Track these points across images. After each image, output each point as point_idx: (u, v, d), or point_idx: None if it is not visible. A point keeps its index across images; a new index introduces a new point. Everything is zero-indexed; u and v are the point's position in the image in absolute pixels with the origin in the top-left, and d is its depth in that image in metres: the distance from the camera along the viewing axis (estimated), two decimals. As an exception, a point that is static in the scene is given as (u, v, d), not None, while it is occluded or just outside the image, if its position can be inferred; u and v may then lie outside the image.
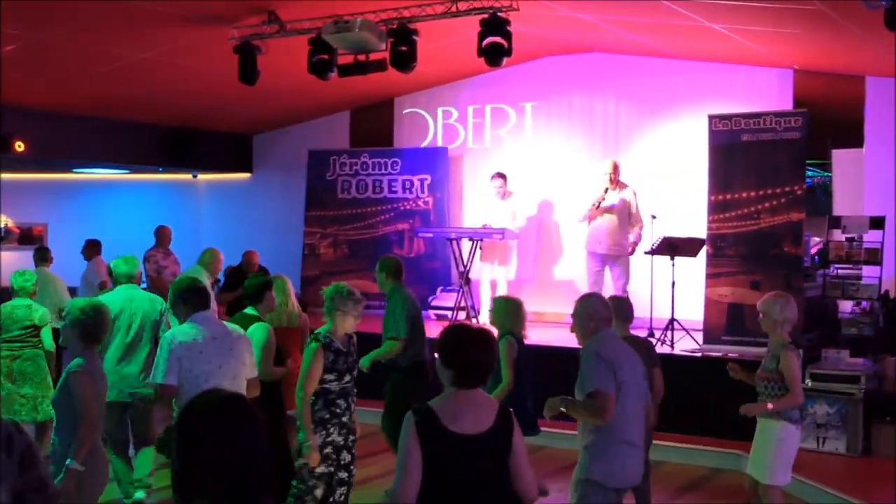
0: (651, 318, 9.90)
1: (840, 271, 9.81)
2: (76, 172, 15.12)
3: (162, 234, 11.62)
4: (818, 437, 8.35)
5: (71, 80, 10.80)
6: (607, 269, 10.32)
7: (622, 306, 6.24)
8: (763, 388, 5.78)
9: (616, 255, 10.24)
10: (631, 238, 10.39)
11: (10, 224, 15.09)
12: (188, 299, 5.46)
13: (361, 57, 9.12)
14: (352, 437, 5.82)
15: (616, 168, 10.33)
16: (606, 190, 10.21)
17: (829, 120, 10.45)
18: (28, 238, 14.76)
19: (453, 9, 8.60)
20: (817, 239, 10.89)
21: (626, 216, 10.25)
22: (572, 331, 5.00)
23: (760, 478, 5.79)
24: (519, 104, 12.59)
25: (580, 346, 4.94)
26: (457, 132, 13.02)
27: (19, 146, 11.49)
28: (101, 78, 10.58)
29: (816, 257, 10.60)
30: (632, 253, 10.35)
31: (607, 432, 4.70)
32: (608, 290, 10.24)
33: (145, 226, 11.89)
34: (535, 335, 9.81)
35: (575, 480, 4.82)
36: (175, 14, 8.78)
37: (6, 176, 14.39)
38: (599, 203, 10.23)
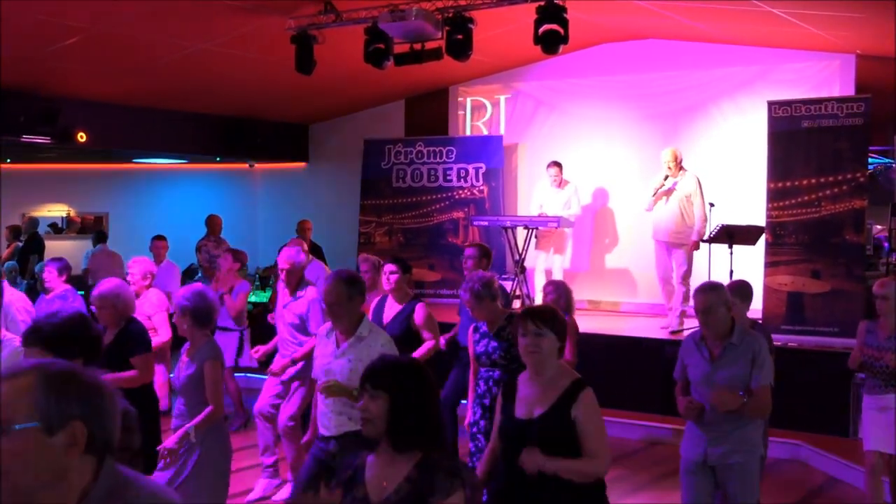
0: (709, 307, 9.79)
1: (903, 260, 9.65)
2: (136, 162, 15.39)
3: (212, 223, 11.81)
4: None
5: (131, 72, 10.97)
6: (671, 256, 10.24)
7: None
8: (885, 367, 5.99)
9: (679, 244, 10.14)
10: (695, 233, 10.13)
11: (72, 213, 15.40)
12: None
13: (417, 46, 9.13)
14: None
15: (675, 157, 10.17)
16: (666, 177, 10.08)
17: (892, 106, 10.23)
18: (86, 229, 15.06)
19: (509, -3, 8.58)
20: (879, 227, 10.71)
21: (689, 204, 10.09)
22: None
23: None
24: (574, 92, 12.51)
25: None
26: (511, 118, 13.00)
27: (81, 137, 11.73)
28: (161, 69, 10.73)
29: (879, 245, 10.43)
30: (695, 248, 10.11)
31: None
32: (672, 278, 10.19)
33: (202, 215, 12.07)
34: (591, 324, 9.86)
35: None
36: (233, 4, 8.86)
37: (68, 166, 14.71)
38: (658, 190, 10.11)
